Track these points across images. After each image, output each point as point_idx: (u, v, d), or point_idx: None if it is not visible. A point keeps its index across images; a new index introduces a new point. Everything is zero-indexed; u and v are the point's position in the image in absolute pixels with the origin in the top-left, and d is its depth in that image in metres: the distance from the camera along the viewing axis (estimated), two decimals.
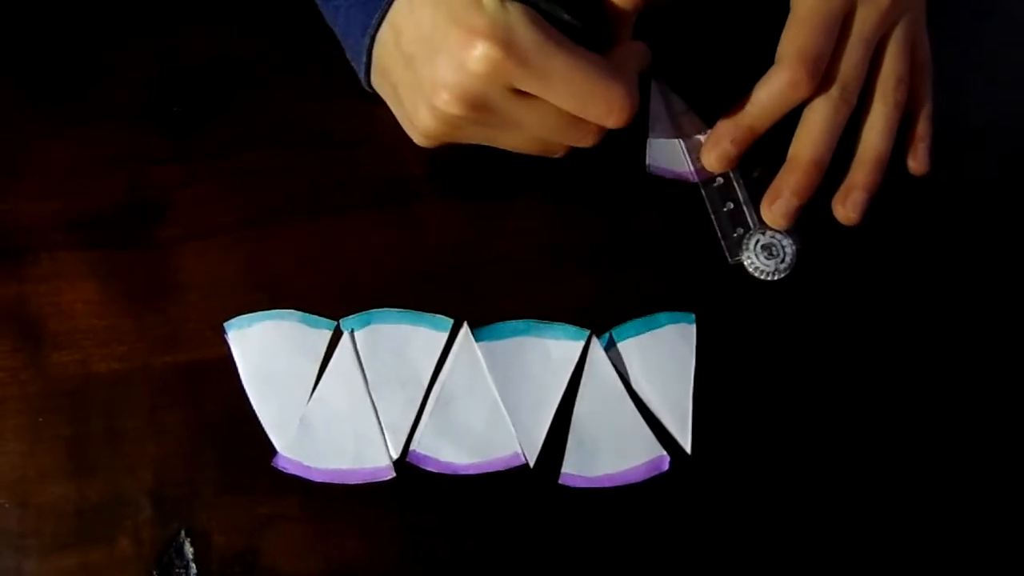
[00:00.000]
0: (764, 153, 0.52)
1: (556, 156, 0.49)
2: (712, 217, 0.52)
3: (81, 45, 0.52)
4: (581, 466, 0.48)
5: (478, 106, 0.44)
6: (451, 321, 0.49)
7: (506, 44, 0.42)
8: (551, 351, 0.49)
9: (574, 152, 0.51)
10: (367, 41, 0.47)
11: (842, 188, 0.51)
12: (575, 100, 0.43)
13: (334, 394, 0.48)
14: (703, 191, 0.52)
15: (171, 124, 0.51)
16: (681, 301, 0.50)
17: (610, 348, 0.49)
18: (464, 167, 0.51)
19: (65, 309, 0.48)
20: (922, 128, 0.53)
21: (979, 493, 0.50)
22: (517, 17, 0.42)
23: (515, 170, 0.51)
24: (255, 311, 0.49)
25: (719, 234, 0.51)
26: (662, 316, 0.50)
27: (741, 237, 0.51)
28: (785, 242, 0.51)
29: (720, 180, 0.52)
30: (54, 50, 0.52)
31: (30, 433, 0.47)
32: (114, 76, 0.52)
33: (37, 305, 0.48)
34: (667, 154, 0.53)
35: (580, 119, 0.45)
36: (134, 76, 0.52)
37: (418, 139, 0.48)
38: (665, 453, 0.48)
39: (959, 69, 0.56)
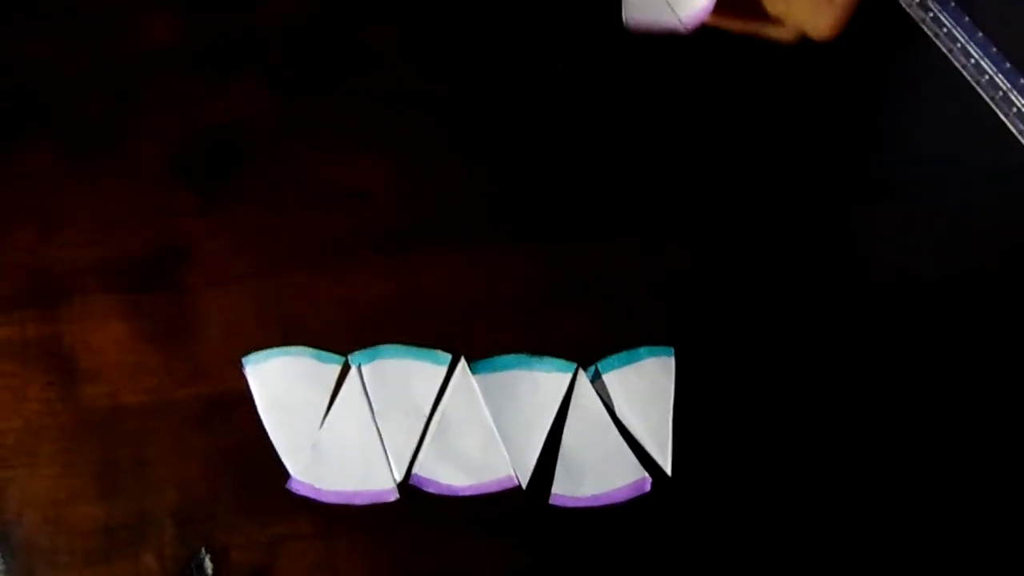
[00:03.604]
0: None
1: None
2: None
3: (115, 108, 0.55)
4: (570, 487, 0.50)
5: None
6: (450, 356, 0.51)
7: None
8: (541, 383, 0.51)
9: (562, 198, 0.54)
10: None
11: None
12: None
13: (343, 422, 0.50)
14: None
15: (195, 180, 0.54)
16: (661, 336, 0.52)
17: (596, 379, 0.52)
18: (458, 217, 0.54)
19: (96, 346, 0.51)
20: None
21: (957, 517, 0.52)
22: None
23: (506, 218, 0.54)
24: (271, 348, 0.51)
25: None
26: (643, 350, 0.52)
27: None
28: None
29: None
30: (90, 113, 0.55)
31: (63, 459, 0.50)
32: (144, 136, 0.55)
33: (71, 343, 0.51)
34: (649, 5, 0.49)
35: None
36: (162, 136, 0.55)
37: None
38: (647, 475, 0.51)
39: None
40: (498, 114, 0.56)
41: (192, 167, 0.54)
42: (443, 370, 0.51)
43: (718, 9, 0.46)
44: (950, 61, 0.60)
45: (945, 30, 0.61)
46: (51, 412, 0.51)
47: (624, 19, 0.48)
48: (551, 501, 0.50)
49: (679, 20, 0.47)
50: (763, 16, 0.49)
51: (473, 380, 0.51)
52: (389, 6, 0.58)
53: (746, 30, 0.50)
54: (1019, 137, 0.58)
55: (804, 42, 0.50)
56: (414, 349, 0.52)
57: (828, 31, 0.48)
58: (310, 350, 0.51)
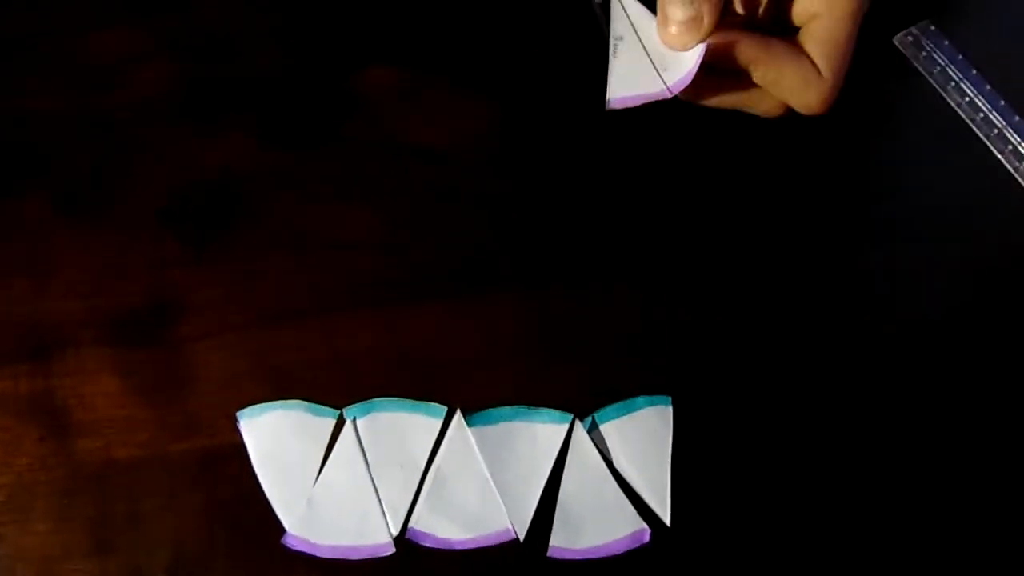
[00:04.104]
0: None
1: None
2: None
3: (106, 160, 0.55)
4: (568, 540, 0.50)
5: None
6: (445, 408, 0.51)
7: None
8: (538, 434, 0.51)
9: (554, 248, 0.55)
10: None
11: None
12: None
13: (338, 477, 0.50)
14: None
15: (186, 231, 0.54)
16: (658, 385, 0.52)
17: (593, 430, 0.51)
18: (452, 268, 0.54)
19: (89, 400, 0.51)
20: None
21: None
22: None
23: (500, 268, 0.54)
24: (265, 401, 0.51)
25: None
26: (640, 400, 0.52)
27: None
28: None
29: None
30: (82, 165, 0.55)
31: (57, 514, 0.49)
32: (135, 188, 0.55)
33: (63, 397, 0.51)
34: (634, 76, 0.47)
35: None
36: (153, 188, 0.55)
37: None
38: (646, 526, 0.50)
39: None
40: (491, 163, 0.57)
41: (184, 219, 0.54)
42: (438, 423, 0.51)
43: (704, 80, 0.45)
44: (945, 99, 0.61)
45: (939, 69, 0.61)
46: (44, 467, 0.50)
47: (607, 100, 0.47)
48: (549, 554, 0.50)
49: (665, 85, 0.46)
50: (749, 86, 0.48)
51: (469, 433, 0.51)
52: (379, 55, 0.58)
53: (732, 104, 0.49)
54: (1014, 174, 0.59)
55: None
56: (409, 402, 0.51)
57: (818, 106, 0.47)
58: (304, 404, 0.51)
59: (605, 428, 0.52)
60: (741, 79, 0.47)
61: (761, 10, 0.49)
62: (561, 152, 0.57)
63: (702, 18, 0.43)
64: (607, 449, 0.51)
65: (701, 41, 0.44)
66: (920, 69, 0.61)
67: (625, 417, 0.52)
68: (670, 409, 0.52)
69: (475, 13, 0.60)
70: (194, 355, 0.52)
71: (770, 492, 0.52)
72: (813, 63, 0.46)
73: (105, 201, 0.55)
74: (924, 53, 0.61)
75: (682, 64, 0.45)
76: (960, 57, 0.61)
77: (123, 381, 0.51)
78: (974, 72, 0.60)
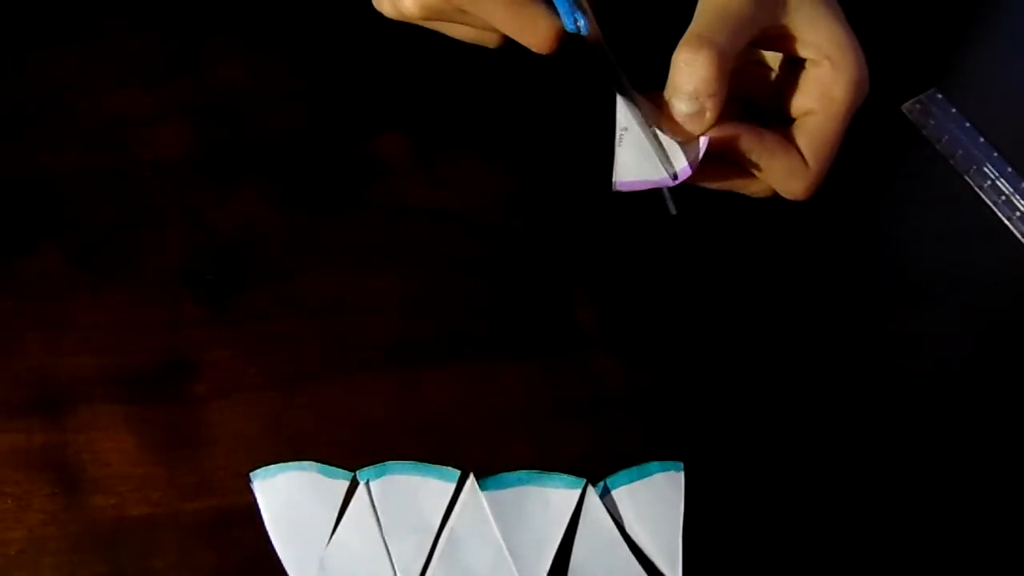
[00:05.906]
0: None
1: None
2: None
3: (124, 218, 0.56)
4: None
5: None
6: (458, 472, 0.51)
7: None
8: (550, 499, 0.51)
9: (569, 314, 0.55)
10: None
11: None
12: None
13: (351, 539, 0.50)
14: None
15: (203, 291, 0.54)
16: (670, 451, 0.52)
17: (605, 495, 0.51)
18: (466, 332, 0.55)
19: (102, 457, 0.51)
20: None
21: None
22: None
23: (514, 333, 0.55)
24: (278, 462, 0.51)
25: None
26: (653, 465, 0.52)
27: None
28: None
29: None
30: (100, 223, 0.56)
31: (67, 570, 0.49)
32: (153, 247, 0.55)
33: (76, 452, 0.51)
34: (638, 165, 0.47)
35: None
36: (171, 247, 0.55)
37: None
38: None
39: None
40: (505, 230, 0.57)
41: (200, 278, 0.55)
42: (451, 487, 0.51)
43: (702, 164, 0.46)
44: (953, 167, 0.61)
45: (947, 136, 0.62)
46: (56, 522, 0.50)
47: (613, 183, 0.47)
48: None
49: (669, 175, 0.46)
50: (743, 169, 0.49)
51: (482, 497, 0.51)
52: (395, 121, 0.59)
53: (725, 186, 0.50)
54: (1022, 240, 0.59)
55: None
56: (422, 465, 0.52)
57: (802, 194, 0.48)
58: (318, 465, 0.51)
59: (617, 493, 0.52)
60: (734, 164, 0.49)
61: (758, 102, 0.51)
62: (576, 219, 0.58)
63: (705, 112, 0.44)
64: (619, 514, 0.51)
65: (703, 134, 0.45)
66: (928, 137, 0.62)
67: (637, 482, 0.52)
68: (682, 475, 0.52)
69: (490, 82, 0.61)
70: (208, 414, 0.52)
71: (783, 558, 0.52)
72: (801, 154, 0.47)
73: (121, 259, 0.55)
74: (932, 121, 0.62)
75: (684, 154, 0.46)
76: (967, 124, 0.61)
77: (137, 438, 0.51)
78: (981, 140, 0.61)
